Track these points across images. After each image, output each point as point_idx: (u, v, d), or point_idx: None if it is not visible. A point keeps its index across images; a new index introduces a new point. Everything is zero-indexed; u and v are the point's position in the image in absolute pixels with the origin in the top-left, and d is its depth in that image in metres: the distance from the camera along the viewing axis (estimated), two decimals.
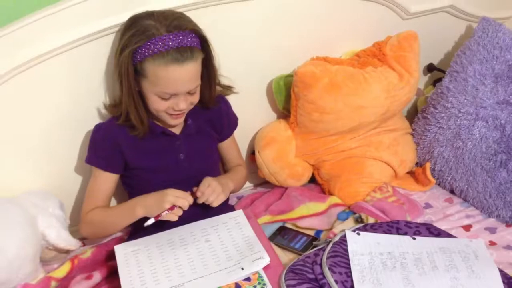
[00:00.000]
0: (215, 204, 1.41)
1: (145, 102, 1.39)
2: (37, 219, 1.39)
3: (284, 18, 1.67)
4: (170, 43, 1.28)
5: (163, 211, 1.32)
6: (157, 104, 1.37)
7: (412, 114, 1.99)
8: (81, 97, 1.49)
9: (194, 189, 1.41)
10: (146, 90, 1.36)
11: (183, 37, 1.30)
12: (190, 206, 1.42)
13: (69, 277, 1.38)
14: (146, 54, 1.29)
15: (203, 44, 1.37)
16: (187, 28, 1.32)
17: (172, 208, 1.33)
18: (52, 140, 1.51)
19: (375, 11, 1.82)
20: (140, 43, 1.29)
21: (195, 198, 1.40)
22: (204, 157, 1.54)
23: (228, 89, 1.57)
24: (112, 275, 1.38)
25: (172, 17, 1.32)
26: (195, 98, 1.41)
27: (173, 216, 1.33)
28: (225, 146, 1.64)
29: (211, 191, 1.40)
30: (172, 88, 1.33)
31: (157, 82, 1.32)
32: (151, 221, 1.32)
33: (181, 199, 1.34)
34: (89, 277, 1.37)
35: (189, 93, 1.37)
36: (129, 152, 1.44)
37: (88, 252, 1.45)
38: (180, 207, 1.34)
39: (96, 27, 1.41)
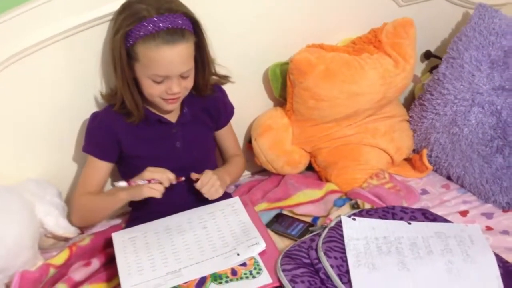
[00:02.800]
0: (211, 198, 1.43)
1: (140, 88, 1.40)
2: (35, 207, 1.40)
3: (280, 5, 1.67)
4: (161, 24, 1.29)
5: (141, 180, 1.33)
6: (150, 89, 1.37)
7: (410, 101, 1.99)
8: (78, 85, 1.50)
9: (193, 175, 1.42)
10: (139, 74, 1.36)
11: (174, 19, 1.30)
12: (188, 194, 1.44)
13: (67, 264, 1.39)
14: (137, 36, 1.29)
15: (196, 29, 1.37)
16: (178, 11, 1.33)
17: (149, 181, 1.33)
18: (49, 129, 1.52)
19: None
20: (131, 26, 1.30)
21: (193, 183, 1.41)
22: (200, 145, 1.54)
23: (225, 78, 1.58)
24: (110, 262, 1.39)
25: (163, 1, 1.33)
26: (189, 83, 1.41)
27: (154, 192, 1.33)
28: (222, 135, 1.64)
29: (210, 186, 1.42)
30: (164, 70, 1.33)
31: (149, 64, 1.32)
32: (122, 183, 1.33)
33: (159, 173, 1.35)
34: (87, 264, 1.39)
35: (182, 76, 1.37)
36: (125, 140, 1.45)
37: (86, 240, 1.46)
38: (160, 183, 1.35)
39: (91, 15, 1.41)
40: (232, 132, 1.67)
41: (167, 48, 1.30)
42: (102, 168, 1.47)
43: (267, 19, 1.67)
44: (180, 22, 1.32)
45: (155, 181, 1.34)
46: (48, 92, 1.47)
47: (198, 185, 1.41)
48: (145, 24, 1.29)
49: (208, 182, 1.41)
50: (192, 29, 1.36)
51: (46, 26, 1.38)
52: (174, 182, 1.38)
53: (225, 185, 1.50)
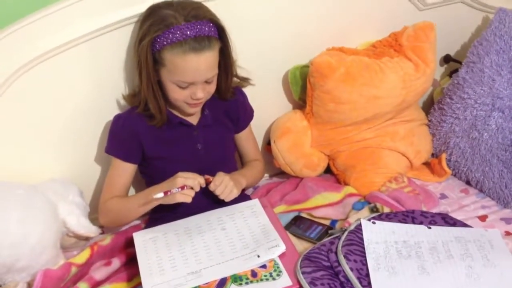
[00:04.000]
0: (227, 199, 1.44)
1: (164, 91, 1.41)
2: (58, 206, 1.42)
3: (300, 8, 1.67)
4: (188, 32, 1.30)
5: (173, 188, 1.35)
6: (175, 93, 1.39)
7: (428, 105, 1.98)
8: (102, 87, 1.51)
9: (206, 177, 1.42)
10: (164, 78, 1.38)
11: (201, 27, 1.32)
12: (206, 196, 1.45)
13: (88, 263, 1.40)
14: (165, 43, 1.31)
15: (221, 34, 1.38)
16: (205, 17, 1.34)
17: (182, 187, 1.35)
18: (73, 129, 1.53)
19: (392, 1, 1.82)
20: (159, 32, 1.31)
21: (207, 184, 1.42)
22: (221, 147, 1.56)
23: (246, 81, 1.59)
24: (131, 262, 1.41)
25: (190, 7, 1.34)
26: (212, 88, 1.43)
27: (187, 197, 1.35)
28: (242, 138, 1.65)
29: (224, 187, 1.42)
30: (190, 77, 1.35)
31: (175, 71, 1.34)
32: (160, 195, 1.35)
33: (191, 179, 1.37)
34: (108, 264, 1.40)
35: (207, 82, 1.39)
36: (147, 142, 1.46)
37: (107, 239, 1.47)
38: (191, 188, 1.37)
39: (116, 17, 1.43)
40: (252, 136, 1.68)
41: (194, 56, 1.31)
42: (126, 170, 1.49)
43: (288, 22, 1.68)
44: (207, 29, 1.33)
45: (187, 187, 1.36)
46: (72, 93, 1.49)
47: (211, 187, 1.42)
48: (172, 31, 1.30)
49: (221, 183, 1.42)
50: (217, 35, 1.37)
51: (71, 28, 1.40)
52: (204, 186, 1.40)
53: (240, 186, 1.50)
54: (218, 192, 1.42)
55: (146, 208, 1.43)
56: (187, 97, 1.39)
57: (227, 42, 1.41)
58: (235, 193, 1.45)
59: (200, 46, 1.31)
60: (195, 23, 1.31)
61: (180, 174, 1.38)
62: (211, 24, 1.35)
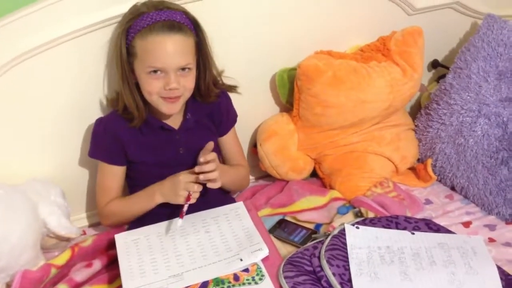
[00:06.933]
0: (213, 184, 1.40)
1: (141, 92, 1.40)
2: (39, 206, 1.40)
3: (289, 11, 1.67)
4: (158, 18, 1.32)
5: (185, 205, 1.35)
6: (148, 85, 1.36)
7: (416, 110, 1.98)
8: (87, 86, 1.50)
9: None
10: (138, 72, 1.37)
11: (172, 14, 1.34)
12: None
13: (69, 265, 1.39)
14: (136, 31, 1.32)
15: (196, 29, 1.39)
16: (178, 9, 1.36)
17: (188, 198, 1.36)
18: (57, 129, 1.52)
19: (381, 6, 1.82)
20: (131, 22, 1.34)
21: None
22: None
23: (232, 89, 1.59)
24: (112, 264, 1.39)
25: (165, 3, 1.37)
26: (188, 82, 1.39)
27: (192, 200, 1.37)
28: (225, 142, 1.62)
29: (214, 166, 1.39)
30: (160, 61, 1.32)
31: (145, 56, 1.33)
32: (180, 222, 1.35)
33: (194, 184, 1.37)
34: (89, 265, 1.38)
35: (181, 74, 1.36)
36: (129, 146, 1.45)
37: (88, 240, 1.46)
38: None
39: (101, 16, 1.42)
40: (236, 142, 1.65)
41: (162, 36, 1.31)
42: (114, 172, 1.48)
43: (276, 24, 1.67)
44: (178, 17, 1.34)
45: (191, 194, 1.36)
46: (55, 92, 1.48)
47: (200, 162, 1.40)
48: (143, 18, 1.32)
49: (213, 163, 1.40)
50: (192, 28, 1.38)
51: (56, 25, 1.39)
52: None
53: (223, 176, 1.45)
54: (207, 168, 1.38)
55: (149, 206, 1.44)
56: (160, 89, 1.36)
57: (203, 38, 1.41)
58: (218, 185, 1.41)
59: (169, 28, 1.32)
60: (166, 11, 1.33)
61: (182, 178, 1.38)
62: (184, 16, 1.36)
